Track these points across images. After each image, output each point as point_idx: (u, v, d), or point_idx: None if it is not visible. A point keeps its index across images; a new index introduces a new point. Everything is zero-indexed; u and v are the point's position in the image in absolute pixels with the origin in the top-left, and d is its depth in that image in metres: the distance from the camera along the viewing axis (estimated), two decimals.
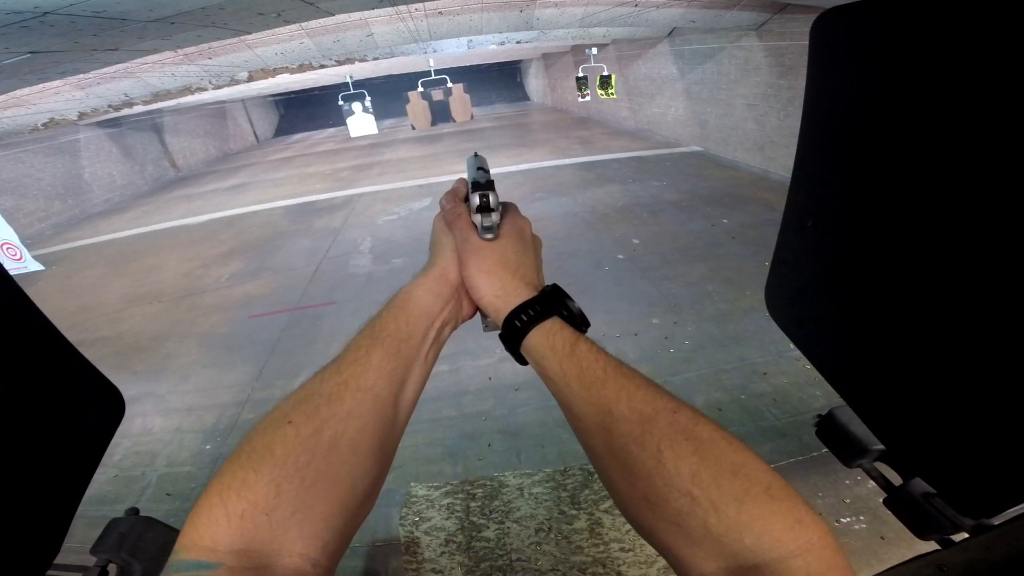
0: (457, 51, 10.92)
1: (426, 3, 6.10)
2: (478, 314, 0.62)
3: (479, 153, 0.72)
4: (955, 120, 0.56)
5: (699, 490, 0.36)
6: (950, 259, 0.59)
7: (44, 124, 9.17)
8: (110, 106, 8.79)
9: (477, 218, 0.58)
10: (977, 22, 0.52)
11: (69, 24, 3.13)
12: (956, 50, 0.55)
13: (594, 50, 12.15)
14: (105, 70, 6.11)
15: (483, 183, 0.61)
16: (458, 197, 0.64)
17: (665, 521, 0.38)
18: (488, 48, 11.47)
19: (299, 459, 0.40)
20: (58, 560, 0.81)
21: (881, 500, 1.02)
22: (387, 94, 24.10)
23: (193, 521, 0.37)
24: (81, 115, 9.29)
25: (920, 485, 0.92)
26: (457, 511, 2.90)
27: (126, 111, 10.77)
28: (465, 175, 0.70)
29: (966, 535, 0.82)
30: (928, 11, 0.58)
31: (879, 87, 0.67)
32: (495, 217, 0.58)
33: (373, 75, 17.60)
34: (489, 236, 0.57)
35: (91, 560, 1.06)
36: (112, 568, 1.07)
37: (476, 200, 0.58)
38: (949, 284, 0.60)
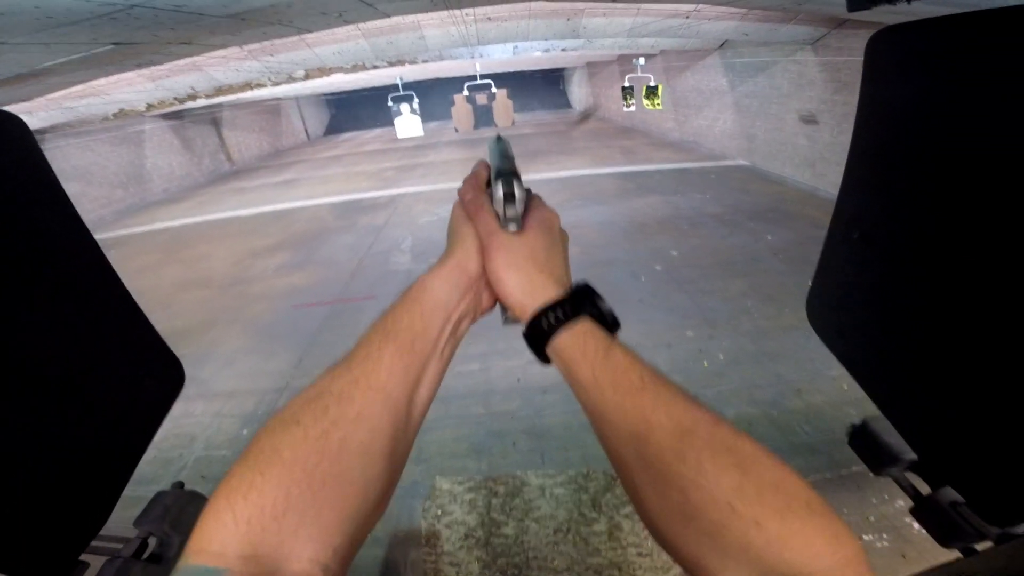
0: (503, 56, 11.05)
1: (476, 8, 6.23)
2: (497, 307, 0.59)
3: (502, 136, 0.68)
4: (1008, 147, 0.57)
5: (741, 503, 0.36)
6: (992, 276, 0.60)
7: (115, 114, 9.71)
8: (176, 98, 9.27)
9: (500, 207, 0.54)
10: None
11: (152, 17, 3.35)
12: (1012, 75, 0.56)
13: (642, 60, 12.10)
14: (176, 63, 6.47)
15: (508, 169, 0.57)
16: (479, 184, 0.61)
17: (699, 533, 0.37)
18: (533, 54, 11.57)
19: (308, 462, 0.38)
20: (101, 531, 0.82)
21: (907, 519, 1.02)
22: (433, 97, 24.54)
23: (201, 526, 0.36)
24: (149, 106, 9.83)
25: (948, 495, 0.92)
26: (479, 507, 2.95)
27: (189, 104, 11.33)
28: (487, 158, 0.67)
29: (989, 544, 0.82)
30: (986, 36, 0.59)
31: (932, 106, 0.68)
32: (519, 207, 0.55)
33: (421, 77, 18.00)
34: (513, 227, 0.54)
35: (131, 532, 1.06)
36: (152, 541, 1.07)
37: (500, 190, 0.54)
38: (989, 302, 0.61)
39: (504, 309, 0.57)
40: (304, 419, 0.41)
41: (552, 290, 0.52)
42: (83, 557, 0.80)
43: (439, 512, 2.94)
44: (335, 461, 0.40)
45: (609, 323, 0.51)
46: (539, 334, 0.51)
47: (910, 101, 0.73)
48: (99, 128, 12.43)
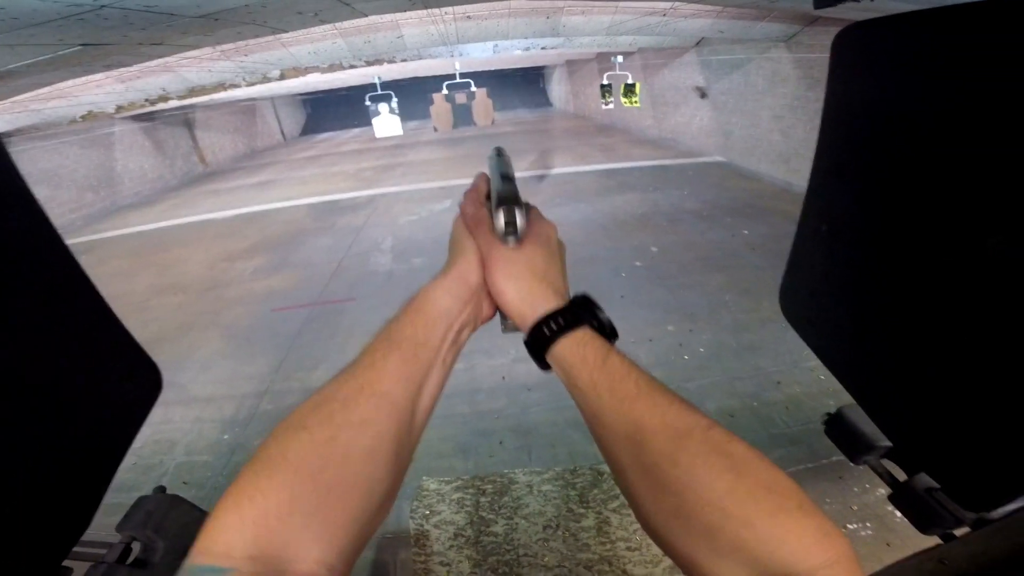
0: (483, 55, 11.04)
1: (455, 7, 6.20)
2: (497, 315, 0.61)
3: (502, 150, 0.69)
4: (971, 143, 0.58)
5: (734, 505, 0.37)
6: (954, 265, 0.62)
7: (83, 116, 9.45)
8: (147, 100, 9.05)
9: (501, 224, 0.56)
10: (998, 46, 0.54)
11: (122, 17, 3.26)
12: (975, 71, 0.58)
13: (620, 58, 12.18)
14: (147, 64, 6.32)
15: (509, 194, 0.58)
16: (479, 197, 0.62)
17: (694, 535, 0.39)
18: (513, 53, 11.57)
19: (313, 466, 0.40)
20: (83, 536, 0.82)
21: (889, 507, 1.04)
22: (411, 96, 24.34)
23: (208, 527, 0.36)
24: (118, 108, 9.59)
25: (924, 480, 0.94)
26: (467, 506, 2.95)
27: (161, 105, 11.08)
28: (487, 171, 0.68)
29: (967, 529, 0.84)
30: (951, 32, 0.61)
31: (897, 102, 0.70)
32: (520, 223, 0.56)
33: (399, 76, 17.85)
34: (512, 242, 0.56)
35: (114, 537, 1.05)
36: (136, 546, 1.07)
37: (502, 219, 0.56)
38: (954, 288, 0.63)
39: (504, 318, 0.59)
40: (310, 424, 0.42)
41: (552, 300, 0.54)
42: (66, 563, 0.79)
43: (427, 512, 2.93)
44: (341, 465, 0.41)
45: (608, 332, 0.53)
46: (540, 342, 0.53)
47: (875, 97, 0.75)
48: (67, 131, 12.08)
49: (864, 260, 0.80)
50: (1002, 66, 0.54)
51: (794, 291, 1.07)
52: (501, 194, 0.58)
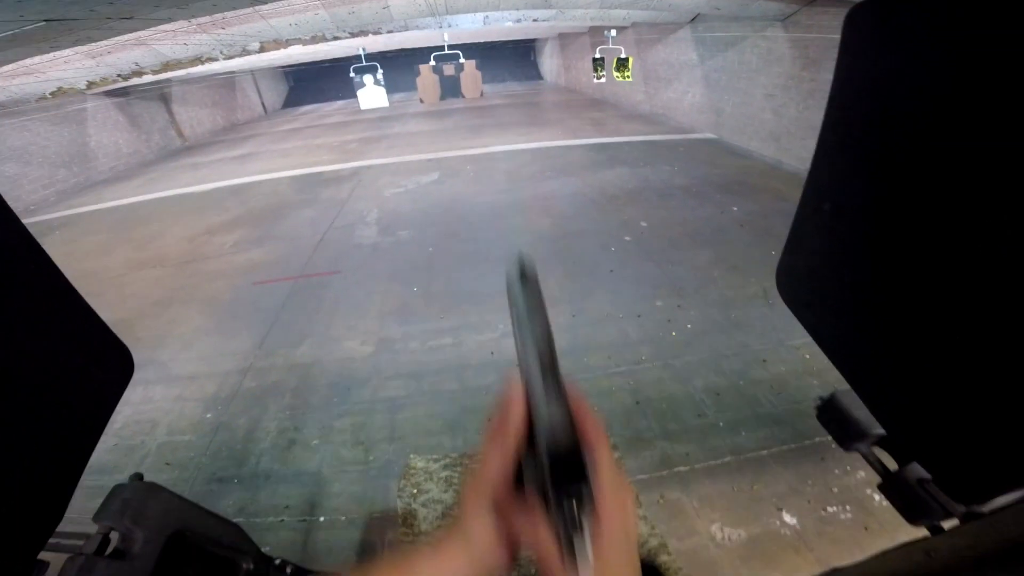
0: (473, 27, 10.74)
1: None
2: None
3: (526, 267, 0.44)
4: (985, 126, 0.55)
5: None
6: (959, 253, 0.60)
7: (52, 93, 9.14)
8: (119, 75, 8.73)
9: (564, 541, 0.35)
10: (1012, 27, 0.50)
11: None
12: (999, 49, 0.53)
13: (613, 32, 11.94)
14: (117, 39, 6.06)
15: (569, 451, 0.36)
16: (509, 441, 0.42)
17: None
18: (504, 25, 11.27)
19: None
20: (59, 527, 0.79)
21: (869, 490, 1.05)
22: (398, 68, 23.80)
23: None
24: (90, 84, 9.25)
25: (915, 471, 0.94)
26: (455, 484, 2.93)
27: (135, 80, 10.70)
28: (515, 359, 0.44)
29: (956, 522, 0.84)
30: (971, 12, 0.56)
31: (909, 81, 0.67)
32: (588, 532, 0.35)
33: (385, 48, 17.38)
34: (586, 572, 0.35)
35: (92, 528, 1.03)
36: (114, 536, 1.05)
37: (563, 522, 0.35)
38: (957, 276, 0.61)
39: None
40: None
41: None
42: (43, 556, 0.78)
43: (415, 491, 2.91)
44: None
45: None
46: None
47: (887, 75, 0.71)
48: (35, 108, 11.73)
49: (866, 241, 0.77)
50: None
51: (793, 271, 1.03)
52: (557, 452, 0.36)
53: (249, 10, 6.16)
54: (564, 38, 21.93)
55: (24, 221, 0.81)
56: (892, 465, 1.01)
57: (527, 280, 0.43)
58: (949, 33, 0.59)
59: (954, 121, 0.59)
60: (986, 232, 0.56)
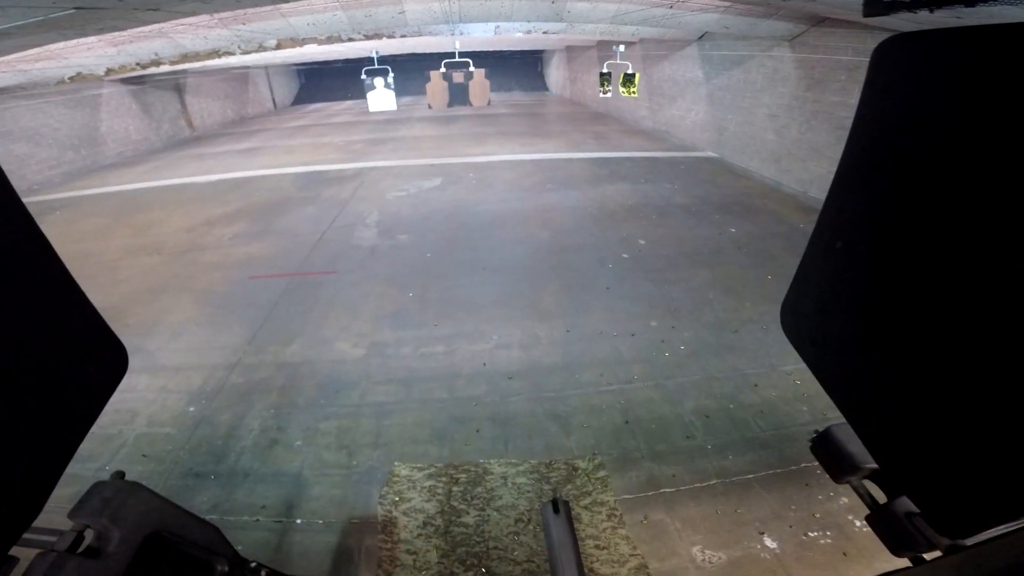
0: (483, 35, 10.82)
1: None
2: None
3: (561, 505, 0.43)
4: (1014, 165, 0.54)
5: None
6: (970, 300, 0.60)
7: (71, 78, 9.16)
8: (138, 64, 8.77)
9: None
10: None
11: None
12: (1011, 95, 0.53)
13: (621, 47, 12.02)
14: (141, 29, 6.09)
15: None
16: None
17: None
18: (514, 35, 11.36)
19: None
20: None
21: (851, 516, 1.07)
22: (407, 72, 23.92)
23: None
24: (108, 71, 9.29)
25: (904, 505, 0.96)
26: (439, 494, 2.91)
27: (152, 69, 10.75)
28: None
29: (938, 554, 0.85)
30: (1001, 50, 0.56)
31: (937, 119, 0.66)
32: None
33: (397, 52, 17.47)
34: None
35: (66, 524, 1.01)
36: (89, 534, 1.03)
37: None
38: (965, 322, 0.61)
39: None
40: None
41: None
42: (13, 551, 0.76)
43: (397, 499, 2.89)
44: None
45: None
46: None
47: (914, 111, 0.70)
48: (52, 91, 11.85)
49: (877, 283, 0.78)
50: None
51: (798, 305, 1.04)
52: None
53: (270, 7, 6.20)
54: (571, 51, 22.09)
55: (26, 200, 0.79)
56: (881, 498, 1.03)
57: (560, 515, 0.43)
58: (978, 69, 0.58)
59: (985, 163, 0.57)
60: (996, 284, 0.56)
